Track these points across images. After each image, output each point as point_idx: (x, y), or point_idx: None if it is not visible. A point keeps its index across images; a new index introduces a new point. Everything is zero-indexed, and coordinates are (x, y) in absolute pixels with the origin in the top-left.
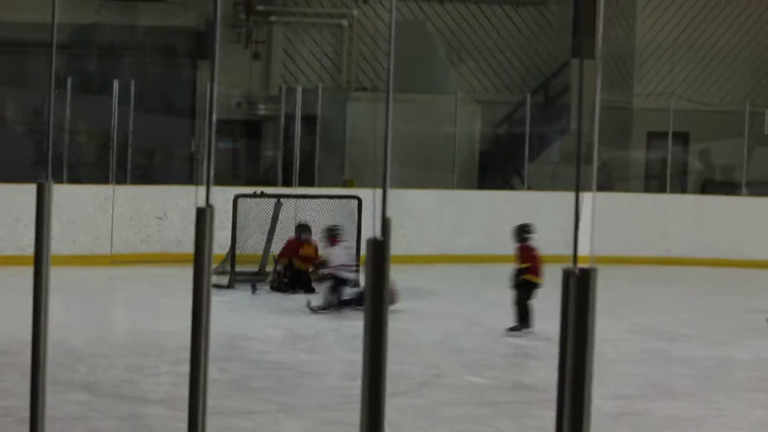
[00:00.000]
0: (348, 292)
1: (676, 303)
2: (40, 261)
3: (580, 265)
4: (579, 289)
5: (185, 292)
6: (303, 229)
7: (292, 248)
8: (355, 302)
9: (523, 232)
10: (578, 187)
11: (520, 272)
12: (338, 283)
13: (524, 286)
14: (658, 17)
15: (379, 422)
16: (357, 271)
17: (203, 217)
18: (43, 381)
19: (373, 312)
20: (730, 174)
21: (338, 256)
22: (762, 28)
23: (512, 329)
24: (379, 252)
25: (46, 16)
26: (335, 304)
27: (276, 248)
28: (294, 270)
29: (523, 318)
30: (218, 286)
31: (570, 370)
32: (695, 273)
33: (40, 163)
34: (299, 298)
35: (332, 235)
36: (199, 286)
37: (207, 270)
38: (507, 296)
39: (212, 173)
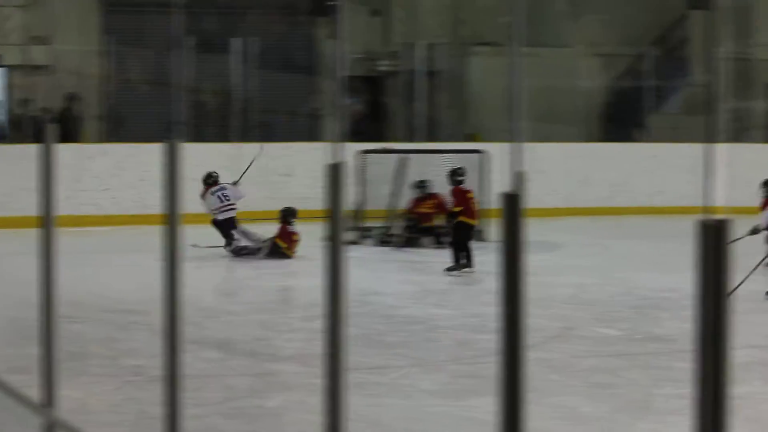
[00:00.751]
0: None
1: None
2: (172, 219)
3: (715, 216)
4: (714, 240)
5: (313, 248)
6: (421, 185)
7: (413, 206)
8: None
9: (456, 175)
10: (711, 138)
11: (453, 215)
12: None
13: (459, 228)
14: None
15: (517, 376)
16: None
17: (335, 172)
18: (180, 339)
19: (507, 266)
20: None
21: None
22: None
23: (449, 269)
24: (512, 206)
25: None
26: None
27: (402, 204)
28: (418, 225)
29: (458, 258)
30: (348, 243)
31: (706, 322)
32: None
33: (163, 122)
34: (428, 253)
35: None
36: (335, 241)
37: (341, 226)
38: (634, 248)
39: (341, 130)
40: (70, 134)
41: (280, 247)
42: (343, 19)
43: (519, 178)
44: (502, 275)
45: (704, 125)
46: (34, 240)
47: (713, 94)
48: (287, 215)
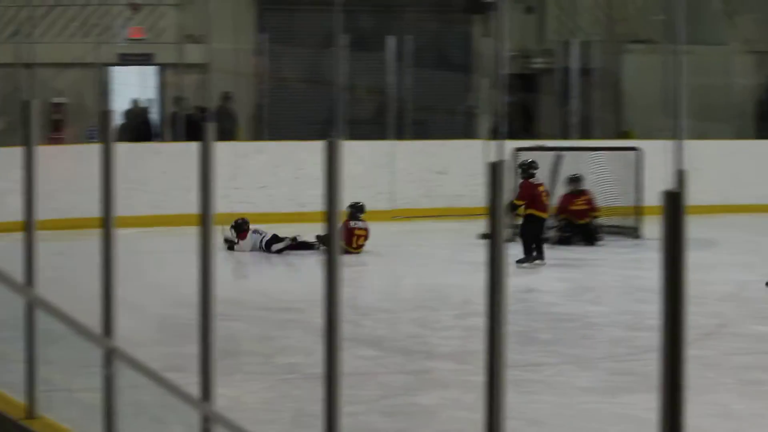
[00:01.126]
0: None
1: None
2: (331, 215)
3: None
4: None
5: (468, 245)
6: (574, 179)
7: (566, 203)
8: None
9: (530, 168)
10: None
11: (515, 207)
12: None
13: (529, 222)
14: None
15: (678, 373)
16: None
17: (495, 170)
18: (339, 337)
19: (669, 264)
20: None
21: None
22: None
23: (519, 261)
24: (675, 204)
25: None
26: None
27: (555, 202)
28: (571, 223)
29: (529, 250)
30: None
31: None
32: None
33: (318, 121)
34: (582, 250)
35: None
36: (495, 238)
37: (501, 223)
38: None
39: (498, 128)
40: (225, 133)
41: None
42: (500, 17)
43: (681, 176)
44: (664, 272)
45: None
46: (190, 238)
47: None
48: (354, 211)
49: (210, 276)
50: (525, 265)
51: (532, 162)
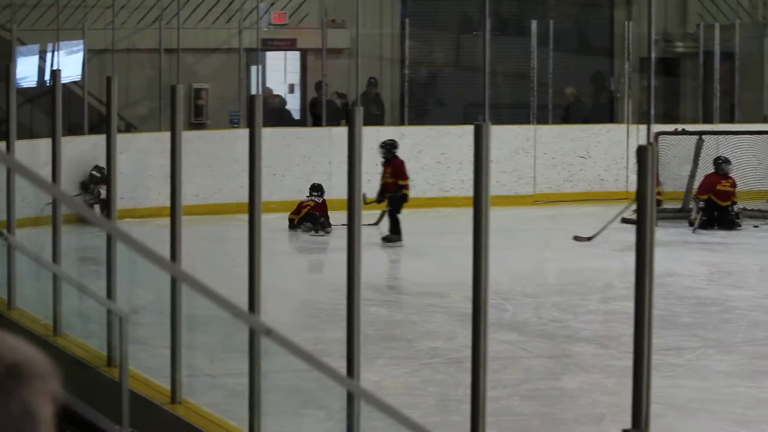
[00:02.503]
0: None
1: None
2: (479, 200)
3: None
4: None
5: (612, 230)
6: (722, 162)
7: (711, 184)
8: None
9: (394, 147)
10: None
11: (401, 187)
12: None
13: (402, 200)
14: None
15: None
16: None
17: (645, 154)
18: (485, 322)
19: None
20: None
21: None
22: None
23: (386, 239)
24: None
25: None
26: None
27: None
28: (713, 206)
29: (398, 230)
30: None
31: None
32: None
33: (461, 105)
34: (723, 234)
35: None
36: (644, 223)
37: (651, 207)
38: None
39: (640, 112)
40: (372, 118)
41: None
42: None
43: None
44: None
45: None
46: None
47: None
48: (311, 190)
49: (357, 262)
50: (390, 244)
51: (393, 140)
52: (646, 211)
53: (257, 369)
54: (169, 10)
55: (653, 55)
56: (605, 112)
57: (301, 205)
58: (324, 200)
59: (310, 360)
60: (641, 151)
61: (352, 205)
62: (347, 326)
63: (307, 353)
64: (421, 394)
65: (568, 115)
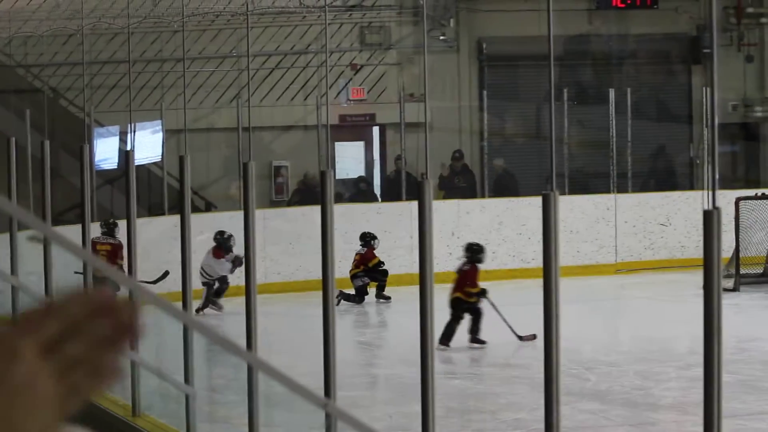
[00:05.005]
0: None
1: None
2: (548, 270)
3: None
4: None
5: (692, 296)
6: None
7: None
8: None
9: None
10: None
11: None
12: None
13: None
14: None
15: None
16: None
17: (711, 219)
18: (558, 392)
19: None
20: None
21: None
22: None
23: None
24: None
25: (540, 28)
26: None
27: None
28: None
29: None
30: (725, 290)
31: None
32: None
33: (542, 176)
34: None
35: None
36: (710, 286)
37: (717, 270)
38: None
39: (716, 177)
40: (462, 190)
41: None
42: (716, 65)
43: None
44: None
45: None
46: (411, 296)
47: None
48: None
49: (429, 334)
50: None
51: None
52: (713, 275)
53: None
54: (247, 88)
55: (716, 120)
56: (686, 179)
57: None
58: (369, 250)
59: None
60: (707, 217)
61: (424, 275)
62: (422, 400)
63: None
64: None
65: (498, 187)
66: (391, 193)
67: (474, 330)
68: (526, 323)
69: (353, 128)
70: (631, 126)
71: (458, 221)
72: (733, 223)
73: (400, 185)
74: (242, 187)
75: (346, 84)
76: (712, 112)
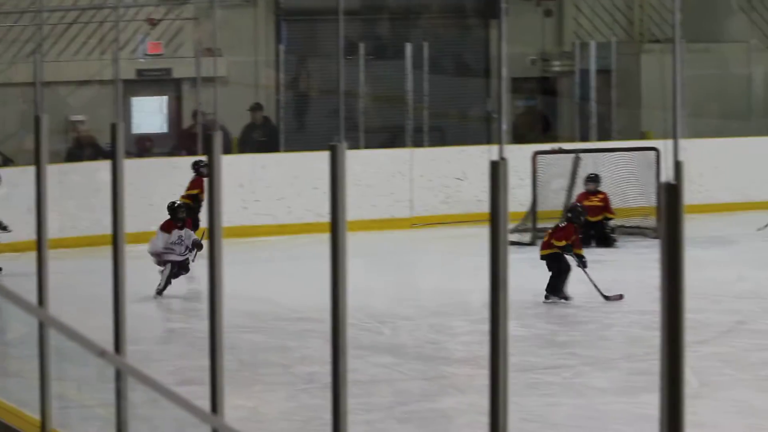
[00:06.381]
0: None
1: None
2: (336, 225)
3: None
4: None
5: (487, 250)
6: (591, 180)
7: (581, 199)
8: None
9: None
10: None
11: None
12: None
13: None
14: None
15: (678, 369)
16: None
17: (497, 170)
18: (344, 344)
19: (669, 257)
20: None
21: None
22: None
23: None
24: (673, 196)
25: None
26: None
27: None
28: (586, 223)
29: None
30: (519, 244)
31: None
32: None
33: (337, 129)
34: (600, 252)
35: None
36: (497, 238)
37: (503, 223)
38: None
39: (504, 128)
40: (265, 144)
41: None
42: (511, 21)
43: (678, 169)
44: (662, 264)
45: None
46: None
47: None
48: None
49: (217, 287)
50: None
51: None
52: (498, 228)
53: (123, 401)
54: (44, 43)
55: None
56: (482, 134)
57: None
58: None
59: (165, 392)
60: (494, 167)
61: (213, 230)
62: (210, 355)
63: (161, 385)
64: (297, 419)
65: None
66: (188, 148)
67: (554, 285)
68: (322, 278)
69: (151, 83)
70: (428, 80)
71: (253, 175)
72: (531, 177)
73: (196, 139)
74: (36, 140)
75: (143, 39)
76: (499, 64)
